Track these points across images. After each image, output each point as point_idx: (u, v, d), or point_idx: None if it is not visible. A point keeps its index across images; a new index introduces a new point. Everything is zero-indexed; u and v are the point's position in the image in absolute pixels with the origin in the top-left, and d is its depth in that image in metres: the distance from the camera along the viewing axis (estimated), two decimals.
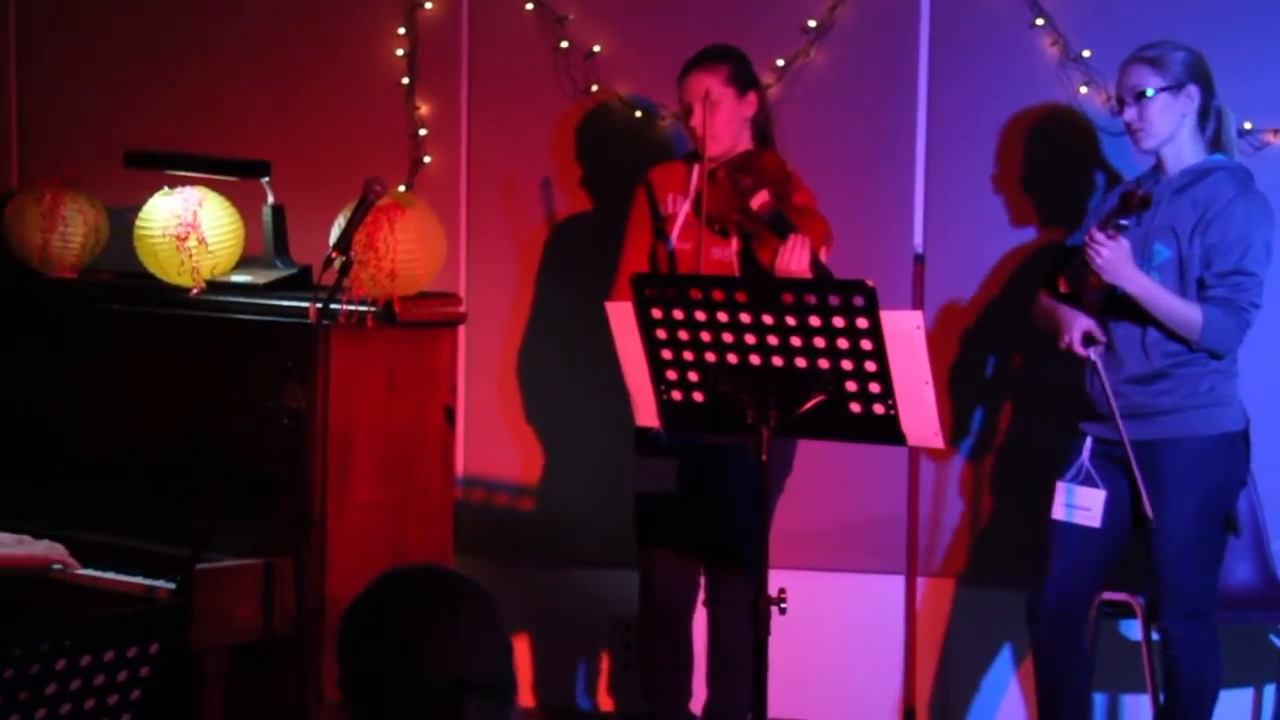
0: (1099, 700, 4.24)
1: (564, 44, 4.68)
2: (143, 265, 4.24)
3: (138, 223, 4.22)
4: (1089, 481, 3.91)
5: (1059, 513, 3.92)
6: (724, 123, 4.08)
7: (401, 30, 4.73)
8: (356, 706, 1.98)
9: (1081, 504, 3.90)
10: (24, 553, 3.87)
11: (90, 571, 3.87)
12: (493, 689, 1.96)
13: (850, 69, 4.60)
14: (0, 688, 2.48)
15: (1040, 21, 4.47)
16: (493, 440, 4.81)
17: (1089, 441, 3.94)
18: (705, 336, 3.32)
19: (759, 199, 3.98)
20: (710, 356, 3.34)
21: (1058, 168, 4.53)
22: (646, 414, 3.47)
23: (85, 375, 4.28)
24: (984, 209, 4.56)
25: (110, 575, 3.85)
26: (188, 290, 4.17)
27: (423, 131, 4.75)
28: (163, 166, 4.32)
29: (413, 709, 1.94)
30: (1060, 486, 3.93)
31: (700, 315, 3.31)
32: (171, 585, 3.74)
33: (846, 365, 3.26)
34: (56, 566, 3.87)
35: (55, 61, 4.77)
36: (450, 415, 4.15)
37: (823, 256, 3.98)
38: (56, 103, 4.76)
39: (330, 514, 3.88)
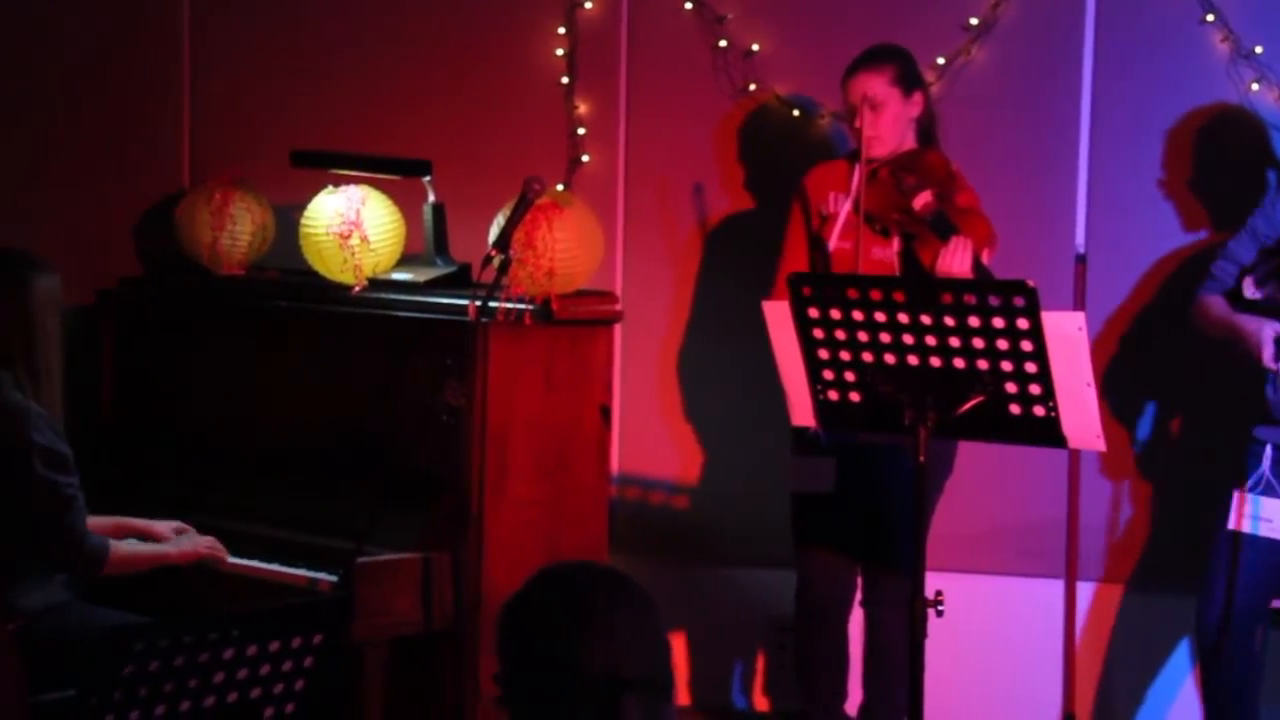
0: (1267, 714, 4.13)
1: (722, 43, 4.68)
2: (307, 263, 4.32)
3: (303, 221, 4.30)
4: (1270, 491, 3.81)
5: (1242, 524, 3.82)
6: (889, 124, 4.06)
7: (561, 30, 4.76)
8: (515, 701, 2.00)
9: (1265, 515, 3.80)
10: (176, 550, 3.97)
11: (256, 563, 3.96)
12: (651, 686, 1.97)
13: (1013, 67, 4.54)
14: (171, 675, 2.55)
15: (1210, 18, 4.37)
16: (648, 438, 4.83)
17: (1269, 450, 3.84)
18: (862, 336, 3.30)
19: (922, 199, 3.94)
20: (867, 356, 3.31)
21: (1227, 168, 4.42)
22: (802, 413, 3.46)
23: (251, 371, 4.37)
24: (1149, 209, 4.47)
25: (275, 567, 3.93)
26: (350, 288, 4.23)
27: (581, 130, 4.78)
28: (327, 165, 4.39)
29: (571, 705, 1.94)
30: (1242, 497, 3.83)
31: (857, 315, 3.29)
32: (334, 578, 3.80)
33: (1006, 366, 3.22)
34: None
35: (226, 63, 4.87)
36: (606, 413, 4.17)
37: (985, 258, 3.93)
38: (226, 104, 4.87)
39: (488, 510, 3.91)
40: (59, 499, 3.76)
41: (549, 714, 1.95)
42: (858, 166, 4.05)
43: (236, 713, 2.65)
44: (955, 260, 3.87)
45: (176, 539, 3.99)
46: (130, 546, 3.94)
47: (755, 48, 4.66)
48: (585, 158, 4.78)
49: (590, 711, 1.93)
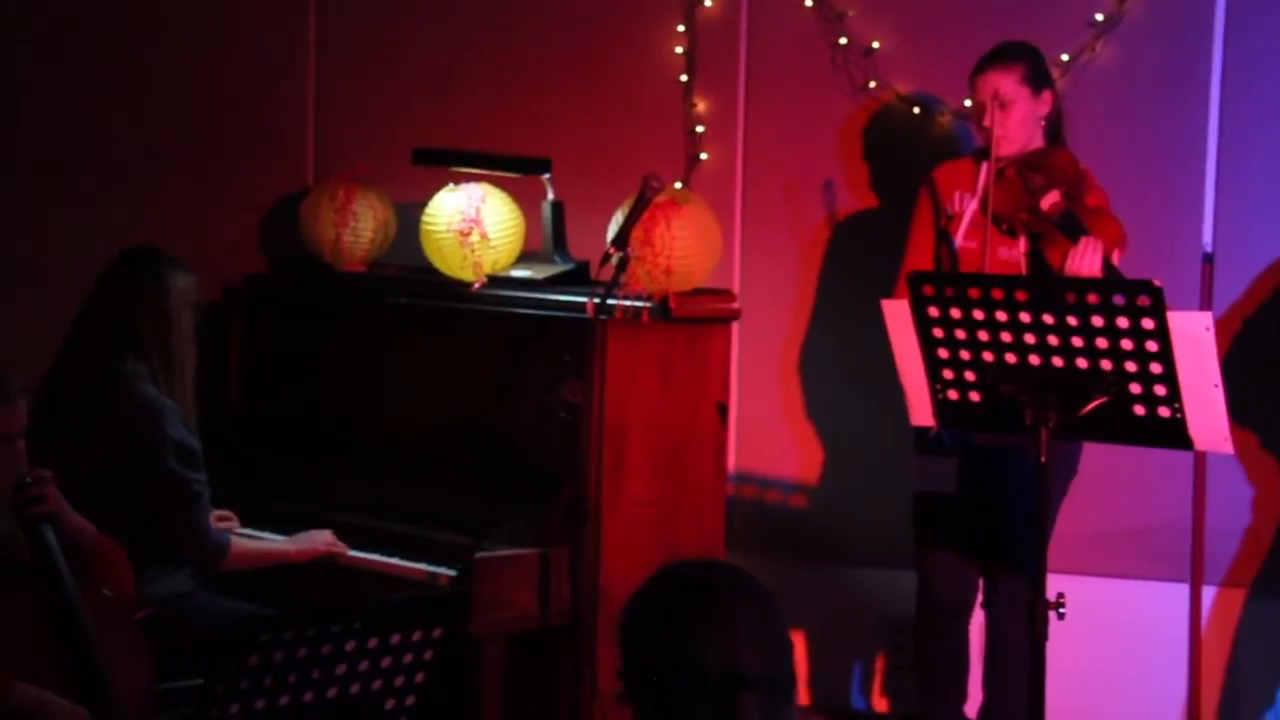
0: None
1: (842, 40, 4.66)
2: (428, 260, 4.35)
3: (424, 218, 4.34)
4: None
5: None
6: (1018, 123, 4.01)
7: (681, 28, 4.76)
8: (637, 697, 2.00)
9: None
10: (295, 548, 4.03)
11: (377, 556, 4.00)
12: (772, 684, 1.96)
13: (1140, 64, 4.46)
14: (295, 665, 2.58)
15: None
16: (766, 436, 4.81)
17: None
18: (983, 336, 3.27)
19: (1050, 199, 3.90)
20: (988, 356, 3.29)
21: None
22: (922, 413, 3.44)
23: (372, 367, 4.42)
24: (1279, 207, 4.39)
25: (395, 561, 3.97)
26: (470, 284, 4.27)
27: (700, 128, 4.78)
28: (448, 163, 4.43)
29: (691, 701, 1.95)
30: None
31: (978, 314, 3.26)
32: (453, 572, 3.83)
33: (1131, 367, 3.17)
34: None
35: (350, 63, 4.93)
36: (723, 411, 4.17)
37: (1115, 259, 3.88)
38: (350, 102, 4.92)
39: (605, 507, 3.93)
40: (187, 494, 3.84)
41: (669, 710, 1.96)
42: (984, 165, 4.01)
43: (358, 704, 2.68)
44: (1085, 261, 3.83)
45: (296, 536, 4.05)
46: (251, 543, 4.00)
47: (875, 45, 4.63)
48: (704, 155, 4.77)
49: (710, 709, 1.93)
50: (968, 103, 4.20)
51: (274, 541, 4.05)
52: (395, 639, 2.69)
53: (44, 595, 3.25)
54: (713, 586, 1.99)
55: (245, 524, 4.17)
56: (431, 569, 3.91)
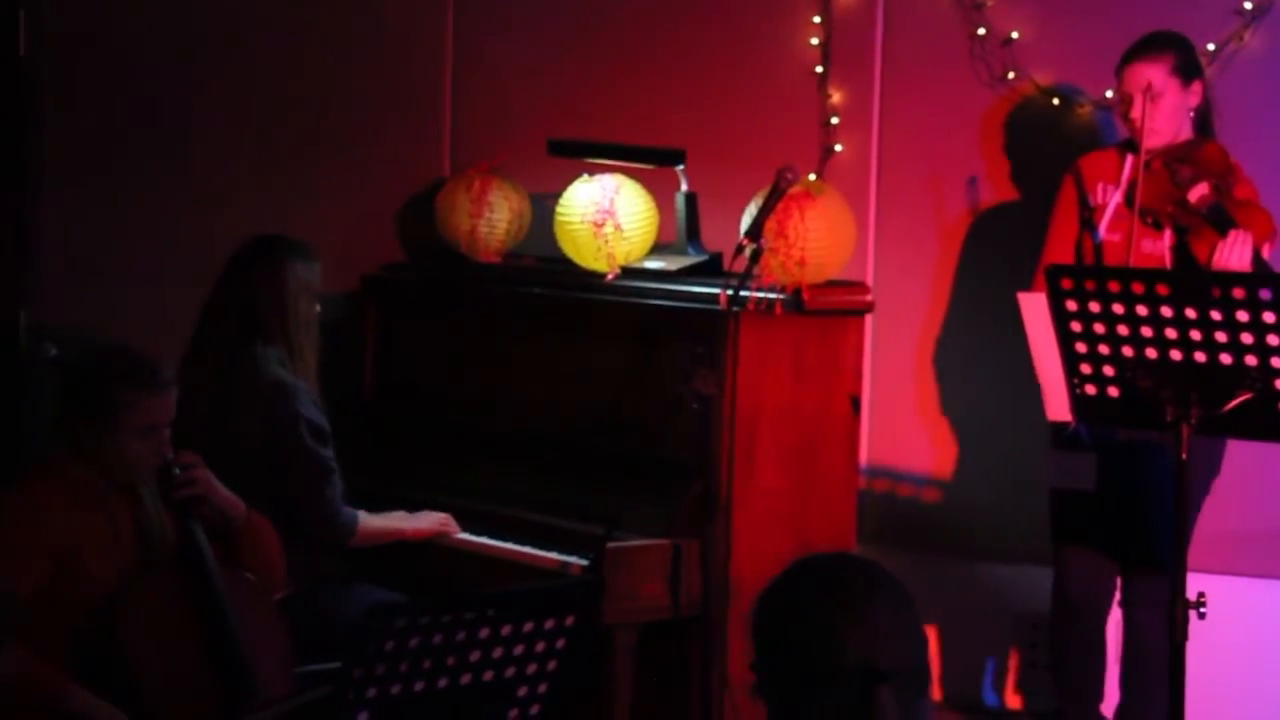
0: None
1: (980, 31, 4.60)
2: (562, 251, 4.38)
3: (558, 209, 4.36)
4: None
5: None
6: (1166, 115, 3.95)
7: (816, 19, 4.74)
8: (771, 690, 2.00)
9: None
10: (411, 526, 4.08)
11: (509, 545, 4.04)
12: (909, 678, 1.95)
13: None
14: (430, 652, 2.61)
15: None
16: (899, 430, 4.78)
17: None
18: (1123, 330, 3.22)
19: (1198, 192, 3.82)
20: (1128, 351, 3.23)
21: None
22: (1058, 408, 3.39)
23: (505, 356, 4.45)
24: None
25: (528, 549, 4.00)
26: (603, 275, 4.28)
27: (835, 119, 4.75)
28: (583, 155, 4.45)
29: (829, 696, 1.94)
30: None
31: (1118, 308, 3.21)
32: (584, 561, 3.85)
33: (1277, 363, 3.10)
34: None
35: (486, 55, 4.98)
36: (856, 404, 4.15)
37: (1265, 253, 3.80)
38: (486, 94, 4.97)
39: (736, 498, 3.92)
40: (321, 470, 3.90)
41: (805, 705, 1.95)
42: (1130, 157, 3.95)
43: (491, 691, 2.70)
44: (1234, 254, 3.75)
45: (412, 516, 4.11)
46: (374, 520, 4.06)
47: (1014, 35, 4.57)
48: (838, 147, 4.75)
49: (846, 703, 1.92)
50: (1110, 94, 4.13)
51: (393, 519, 4.10)
52: (529, 626, 2.71)
53: (188, 579, 3.32)
54: (848, 580, 1.98)
55: (379, 510, 4.22)
56: (563, 558, 3.93)
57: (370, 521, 4.04)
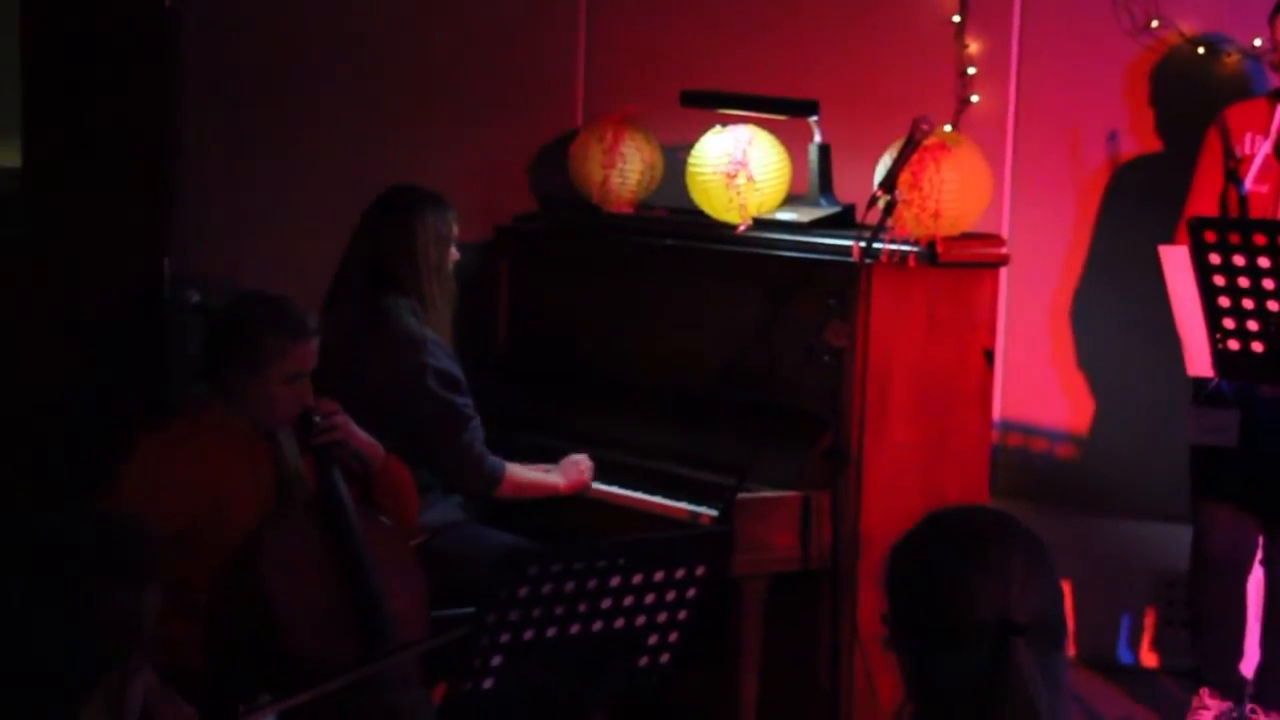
0: None
1: None
2: (693, 202, 4.37)
3: (690, 160, 4.35)
4: None
5: None
6: None
7: None
8: (904, 641, 2.00)
9: None
10: (565, 481, 4.09)
11: (639, 494, 4.06)
12: (1045, 632, 1.94)
13: None
14: (562, 599, 2.64)
15: None
16: (1034, 384, 4.73)
17: None
18: (1268, 284, 3.16)
19: None
20: (1273, 305, 3.17)
21: None
22: (1200, 363, 3.34)
23: (636, 307, 4.46)
24: None
25: (658, 499, 4.02)
26: (735, 227, 4.27)
27: (971, 70, 4.69)
28: (715, 105, 4.43)
29: (964, 648, 1.93)
30: None
31: (1263, 262, 3.15)
32: (714, 512, 3.86)
33: None
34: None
35: (620, 5, 4.97)
36: (989, 357, 4.11)
37: None
38: (620, 44, 4.96)
39: (867, 451, 3.91)
40: (456, 417, 3.94)
41: (938, 656, 1.95)
42: None
43: (622, 639, 2.73)
44: None
45: (562, 468, 4.13)
46: (526, 472, 4.08)
47: None
48: (975, 98, 4.68)
49: (980, 655, 1.92)
50: (1258, 42, 4.03)
51: (546, 474, 4.12)
52: (659, 575, 2.73)
53: (327, 523, 3.38)
54: (983, 533, 1.97)
55: (509, 460, 4.26)
56: (693, 508, 3.95)
57: (521, 473, 4.05)
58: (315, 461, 3.45)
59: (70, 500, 1.90)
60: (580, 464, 4.12)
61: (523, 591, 2.60)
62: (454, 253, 4.11)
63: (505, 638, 2.62)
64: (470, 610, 2.65)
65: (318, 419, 3.44)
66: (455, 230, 4.10)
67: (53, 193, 5.12)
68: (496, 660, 2.63)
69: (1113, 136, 4.58)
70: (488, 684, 2.65)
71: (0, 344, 5.05)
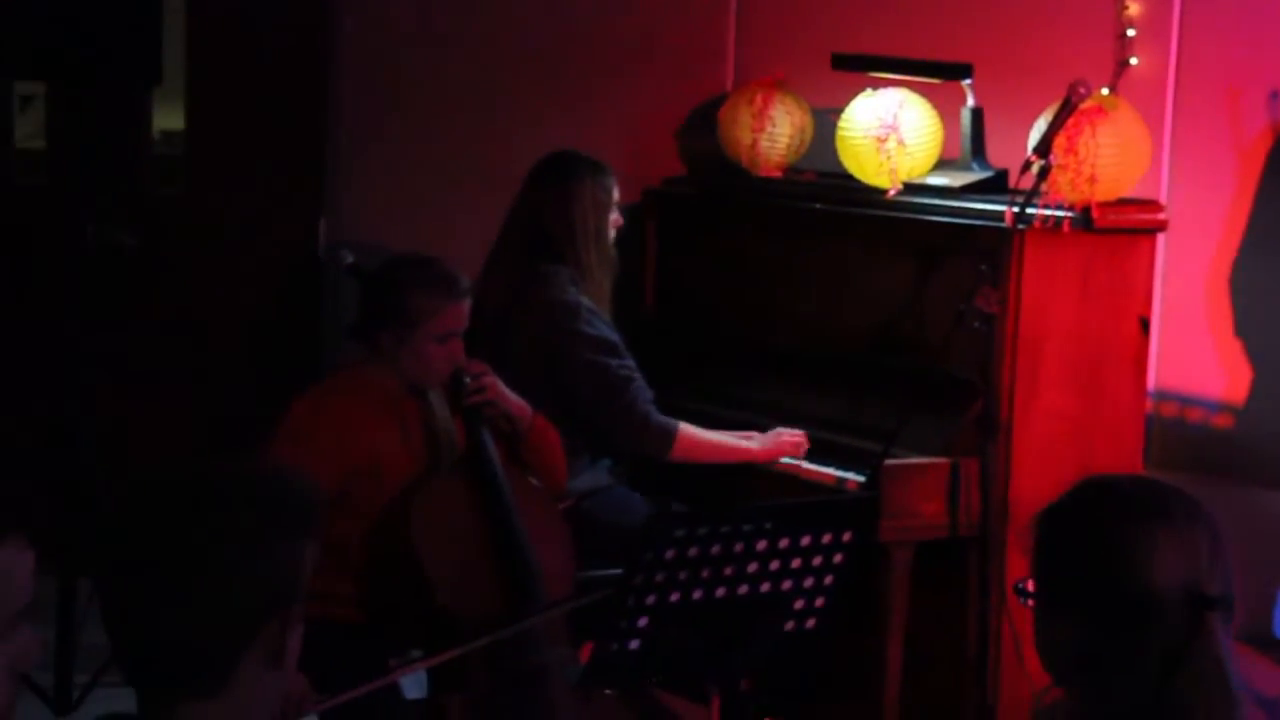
0: None
1: None
2: (843, 166, 4.34)
3: (840, 123, 4.32)
4: None
5: None
6: None
7: None
8: (1066, 615, 1.94)
9: None
10: (760, 447, 4.01)
11: (784, 459, 4.05)
12: (1228, 606, 1.90)
13: None
14: (708, 562, 2.65)
15: None
16: (1190, 353, 4.63)
17: None
18: None
19: None
20: None
21: None
22: None
23: (784, 271, 4.45)
24: None
25: (804, 464, 4.01)
26: (885, 191, 4.24)
27: (1130, 32, 4.58)
28: (867, 68, 4.39)
29: (1150, 619, 1.89)
30: None
31: None
32: (861, 478, 3.85)
33: None
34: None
35: None
36: (1145, 325, 4.04)
37: None
38: (770, 7, 4.93)
39: (1017, 418, 3.87)
40: (615, 380, 3.95)
41: (1117, 631, 1.89)
42: None
43: (768, 603, 2.74)
44: None
45: (764, 435, 4.02)
46: (707, 433, 4.02)
47: None
48: (1134, 60, 4.58)
49: (1170, 628, 1.87)
50: None
51: (735, 436, 4.04)
52: (806, 540, 2.73)
53: (477, 483, 3.43)
54: (1167, 503, 1.92)
55: None
56: (839, 474, 3.94)
57: (698, 434, 3.99)
58: (465, 422, 3.49)
59: (232, 455, 1.95)
60: (790, 438, 4.00)
61: (669, 554, 2.62)
62: (616, 218, 4.11)
63: (651, 600, 2.64)
64: (617, 572, 2.67)
65: (468, 380, 3.48)
66: (615, 195, 4.11)
67: (214, 154, 5.23)
68: (643, 622, 2.65)
69: (1276, 98, 4.46)
70: (634, 645, 2.67)
71: (160, 300, 5.18)
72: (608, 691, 3.37)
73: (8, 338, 5.24)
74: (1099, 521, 1.92)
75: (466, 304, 3.47)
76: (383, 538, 3.37)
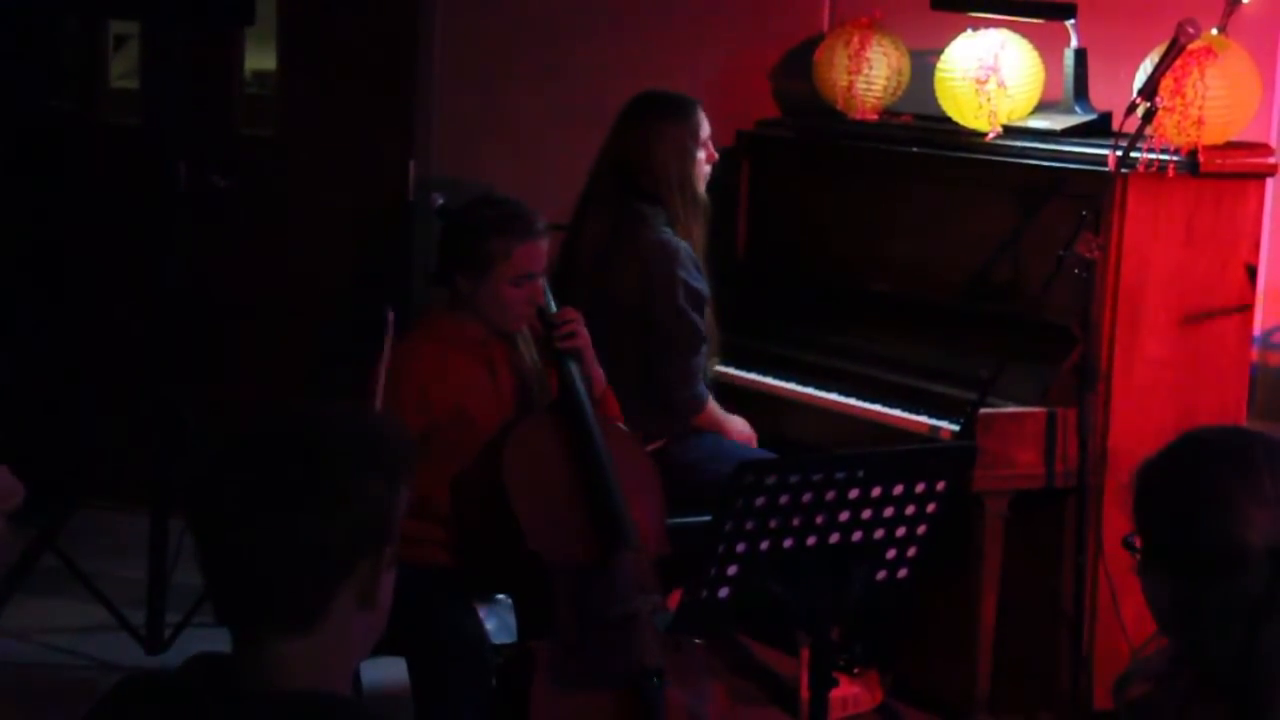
0: None
1: None
2: (941, 108, 4.26)
3: (939, 65, 4.24)
4: None
5: None
6: None
7: None
8: (1162, 568, 1.92)
9: None
10: (732, 429, 4.02)
11: (878, 407, 4.01)
12: None
13: None
14: (799, 510, 2.61)
15: None
16: None
17: None
18: None
19: None
20: None
21: None
22: None
23: (877, 216, 4.38)
24: None
25: (897, 413, 3.96)
26: (984, 134, 4.16)
27: None
28: (968, 9, 4.30)
29: (1234, 574, 1.86)
30: None
31: None
32: (955, 427, 3.79)
33: None
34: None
35: None
36: (1252, 273, 3.94)
37: None
38: None
39: (1117, 367, 3.80)
40: (690, 335, 3.93)
41: (1207, 585, 1.87)
42: None
43: (860, 551, 2.69)
44: None
45: (735, 418, 4.06)
46: (714, 409, 4.03)
47: None
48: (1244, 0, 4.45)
49: (1254, 582, 1.84)
50: None
51: (730, 419, 4.07)
52: (898, 489, 2.69)
53: (568, 425, 3.40)
54: (1256, 457, 1.89)
55: (746, 368, 4.24)
56: (933, 422, 3.88)
57: (715, 408, 4.03)
58: (556, 365, 3.47)
59: (327, 398, 1.95)
60: (744, 428, 4.06)
61: (759, 501, 2.58)
62: (703, 157, 4.04)
63: (741, 548, 2.61)
64: (707, 519, 2.64)
65: (558, 319, 3.45)
66: (704, 133, 4.04)
67: (304, 95, 5.22)
68: (733, 570, 2.62)
69: None
70: (723, 593, 2.64)
71: (251, 241, 5.19)
72: (697, 640, 3.34)
73: (101, 277, 5.28)
74: (1188, 475, 1.91)
75: (542, 244, 3.43)
76: (475, 482, 3.36)
